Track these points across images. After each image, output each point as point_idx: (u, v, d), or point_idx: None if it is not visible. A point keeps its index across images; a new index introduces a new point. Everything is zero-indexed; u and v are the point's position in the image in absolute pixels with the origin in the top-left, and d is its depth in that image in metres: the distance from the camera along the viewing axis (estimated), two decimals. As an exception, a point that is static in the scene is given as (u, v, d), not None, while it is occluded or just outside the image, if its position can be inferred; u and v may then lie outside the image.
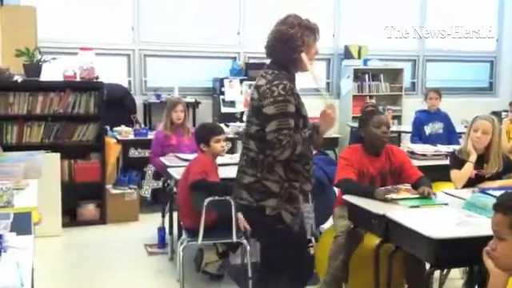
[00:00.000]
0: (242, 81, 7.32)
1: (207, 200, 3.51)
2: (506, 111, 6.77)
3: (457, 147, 4.08)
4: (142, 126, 6.40)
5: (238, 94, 7.28)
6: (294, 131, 2.55)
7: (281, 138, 2.52)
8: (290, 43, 2.61)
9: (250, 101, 2.71)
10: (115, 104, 6.20)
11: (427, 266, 2.85)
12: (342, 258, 3.26)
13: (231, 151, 5.61)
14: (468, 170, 3.53)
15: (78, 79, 5.35)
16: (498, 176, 3.54)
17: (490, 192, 3.02)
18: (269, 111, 2.54)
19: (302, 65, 2.65)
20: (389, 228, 2.89)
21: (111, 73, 6.62)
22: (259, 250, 3.16)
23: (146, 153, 5.58)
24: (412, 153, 4.68)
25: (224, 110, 7.23)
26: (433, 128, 5.92)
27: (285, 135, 2.52)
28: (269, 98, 2.54)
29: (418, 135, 5.92)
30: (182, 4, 7.54)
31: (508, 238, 1.82)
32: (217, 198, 3.54)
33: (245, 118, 6.49)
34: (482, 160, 3.55)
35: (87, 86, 5.38)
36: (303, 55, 2.61)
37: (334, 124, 2.76)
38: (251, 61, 7.67)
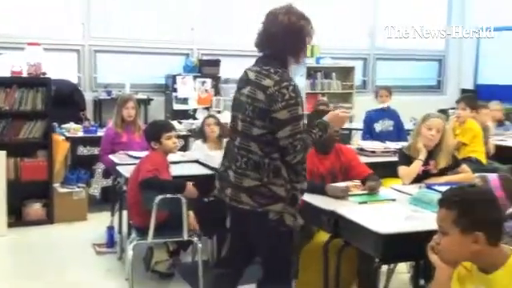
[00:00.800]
0: (195, 77, 7.26)
1: (158, 198, 3.47)
2: (453, 109, 6.96)
3: (405, 144, 4.16)
4: (92, 122, 6.26)
5: (191, 91, 7.22)
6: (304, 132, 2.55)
7: (296, 143, 2.50)
8: (301, 34, 2.59)
9: (246, 99, 2.59)
10: (64, 100, 6.08)
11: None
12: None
13: (184, 149, 5.56)
14: (416, 166, 3.59)
15: (25, 75, 5.20)
16: (443, 172, 3.63)
17: (436, 187, 3.09)
18: (282, 116, 2.49)
19: (302, 56, 2.65)
20: (338, 224, 2.92)
21: (60, 69, 6.45)
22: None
23: (96, 150, 5.46)
24: (362, 150, 4.76)
25: (177, 107, 7.15)
26: (383, 125, 6.03)
27: (299, 140, 2.51)
28: (280, 101, 2.48)
29: (369, 132, 6.02)
30: (134, -1, 7.43)
31: (451, 233, 1.86)
32: (168, 195, 3.50)
33: (213, 113, 6.48)
34: (429, 156, 3.62)
35: (34, 81, 5.23)
36: None
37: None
38: (205, 57, 7.63)
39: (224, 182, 2.70)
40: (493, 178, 2.54)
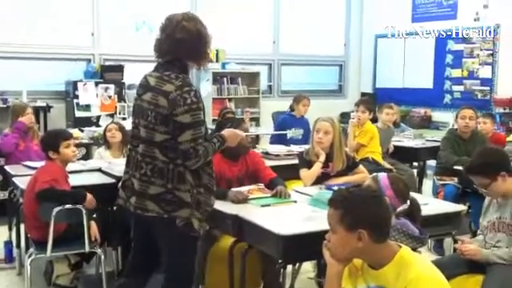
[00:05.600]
0: (97, 84, 7.07)
1: (56, 210, 3.34)
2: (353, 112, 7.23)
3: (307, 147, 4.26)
4: (-15, 132, 5.91)
5: (94, 98, 7.02)
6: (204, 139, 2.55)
7: (198, 148, 2.49)
8: (205, 40, 2.61)
9: (147, 106, 2.56)
10: (-46, 109, 5.70)
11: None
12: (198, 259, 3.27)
13: (86, 157, 5.39)
14: (316, 169, 3.70)
15: None
16: (342, 173, 3.77)
17: (335, 188, 3.19)
18: (184, 120, 2.47)
19: (206, 62, 2.68)
20: (242, 227, 2.96)
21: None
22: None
23: (-10, 162, 5.17)
24: (267, 153, 4.86)
25: (78, 114, 6.92)
26: (294, 133, 6.06)
27: (200, 144, 2.50)
28: (182, 105, 2.47)
29: (279, 136, 6.01)
30: (31, 2, 7.09)
31: (338, 231, 1.95)
32: (66, 206, 3.38)
33: (125, 120, 6.31)
34: (327, 159, 3.74)
35: None
36: None
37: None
38: (107, 63, 7.45)
39: (128, 191, 2.66)
40: (382, 177, 2.67)
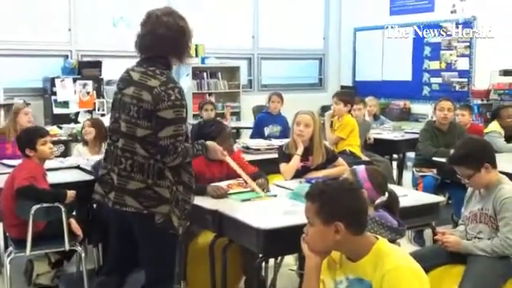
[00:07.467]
0: (75, 80, 7.00)
1: (34, 208, 3.30)
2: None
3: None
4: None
5: (72, 94, 6.96)
6: (186, 139, 2.55)
7: (177, 144, 2.49)
8: (186, 35, 2.62)
9: (130, 100, 2.53)
10: None
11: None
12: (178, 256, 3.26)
13: (64, 154, 5.34)
14: (295, 162, 3.72)
15: None
16: (322, 166, 3.79)
17: (314, 181, 3.21)
18: (167, 115, 2.47)
19: (187, 57, 2.68)
20: (222, 223, 2.96)
21: None
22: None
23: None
24: (247, 148, 4.86)
25: (56, 111, 6.88)
26: (272, 130, 6.11)
27: (180, 142, 2.50)
28: (166, 101, 2.46)
29: (258, 133, 6.07)
30: (7, -1, 7.01)
31: (315, 224, 1.96)
32: (45, 205, 3.34)
33: (106, 117, 6.24)
34: (307, 152, 3.76)
35: None
36: None
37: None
38: (85, 59, 7.38)
39: (107, 186, 2.64)
40: (360, 170, 2.68)
